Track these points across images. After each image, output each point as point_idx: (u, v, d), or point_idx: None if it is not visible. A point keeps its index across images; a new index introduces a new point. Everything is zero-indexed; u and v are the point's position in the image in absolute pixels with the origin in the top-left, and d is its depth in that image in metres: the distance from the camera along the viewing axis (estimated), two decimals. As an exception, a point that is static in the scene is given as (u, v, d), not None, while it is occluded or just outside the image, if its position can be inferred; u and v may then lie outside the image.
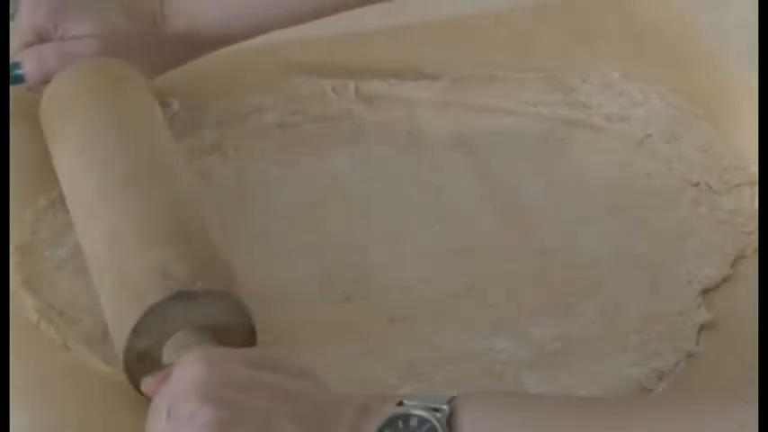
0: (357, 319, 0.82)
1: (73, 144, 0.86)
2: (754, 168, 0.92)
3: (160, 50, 0.94)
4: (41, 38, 0.93)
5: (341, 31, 1.03)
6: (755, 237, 0.88)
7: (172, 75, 0.97)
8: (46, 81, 0.91)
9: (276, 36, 0.99)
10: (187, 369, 0.70)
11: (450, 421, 0.67)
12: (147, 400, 0.75)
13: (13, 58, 0.92)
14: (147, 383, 0.74)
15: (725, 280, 0.85)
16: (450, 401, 0.67)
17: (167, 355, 0.75)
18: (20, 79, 0.92)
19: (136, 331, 0.75)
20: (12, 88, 0.91)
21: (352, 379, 0.78)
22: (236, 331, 0.76)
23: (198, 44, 0.95)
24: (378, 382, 0.78)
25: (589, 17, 1.06)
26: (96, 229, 0.81)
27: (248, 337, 0.77)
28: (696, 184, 0.93)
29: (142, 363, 0.75)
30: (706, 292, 0.85)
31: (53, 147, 0.88)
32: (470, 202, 0.91)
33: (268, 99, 0.98)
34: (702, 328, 0.82)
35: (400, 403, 0.68)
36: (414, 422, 0.67)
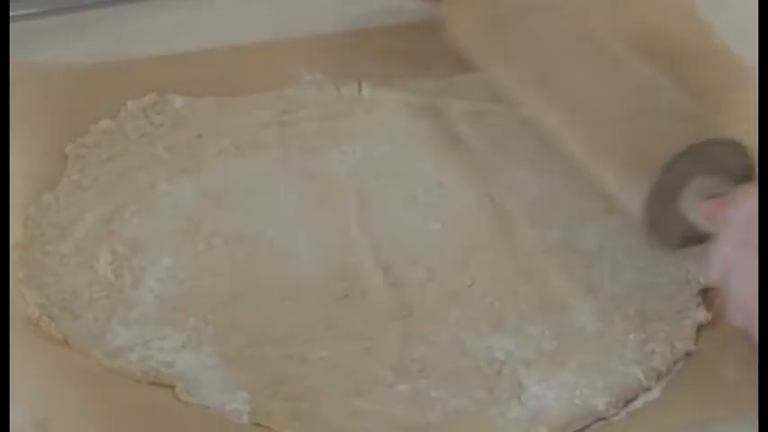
0: (355, 317, 0.83)
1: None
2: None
3: None
4: None
5: (344, 29, 1.03)
6: (756, 237, 0.88)
7: (174, 71, 0.97)
8: None
9: (280, 34, 1.00)
10: (752, 200, 0.75)
11: None
12: (147, 397, 0.76)
13: None
14: (706, 208, 0.80)
15: (724, 280, 0.86)
16: None
17: (687, 198, 0.82)
18: None
19: (669, 168, 0.81)
20: (12, 86, 0.92)
21: (349, 375, 0.79)
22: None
23: None
24: (375, 379, 0.79)
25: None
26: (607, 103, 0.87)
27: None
28: (698, 184, 0.93)
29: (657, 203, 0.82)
30: (705, 291, 0.85)
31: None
32: (471, 200, 0.91)
33: (270, 96, 0.98)
34: (701, 327, 0.83)
35: None
36: None
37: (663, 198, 0.82)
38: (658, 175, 0.82)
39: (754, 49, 0.91)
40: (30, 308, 0.82)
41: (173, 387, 0.78)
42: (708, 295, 0.84)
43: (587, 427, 0.77)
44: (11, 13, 0.97)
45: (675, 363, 0.80)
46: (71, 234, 0.87)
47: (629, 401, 0.78)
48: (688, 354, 0.81)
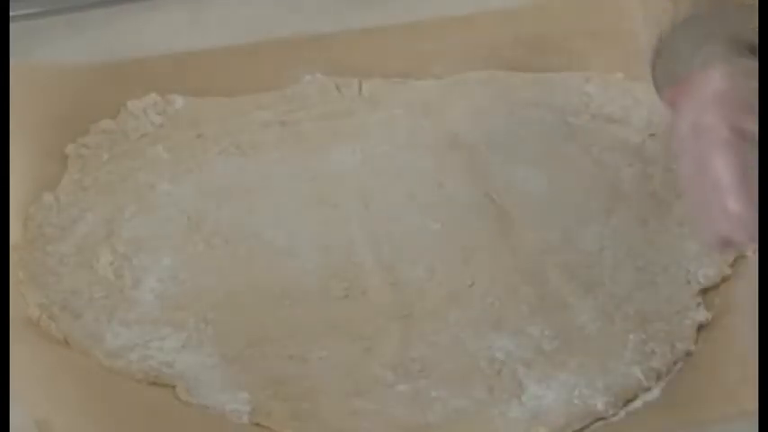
0: (355, 317, 0.83)
1: None
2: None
3: None
4: None
5: (345, 28, 1.03)
6: (755, 237, 0.88)
7: (174, 71, 0.97)
8: None
9: (280, 33, 1.00)
10: (709, 80, 0.70)
11: None
12: (147, 397, 0.76)
13: None
14: (668, 93, 0.75)
15: (724, 280, 0.86)
16: None
17: (696, 65, 0.74)
18: None
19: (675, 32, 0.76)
20: (12, 86, 0.92)
21: (349, 375, 0.79)
22: None
23: None
24: (375, 379, 0.79)
25: (592, 17, 1.06)
26: None
27: None
28: (697, 185, 0.93)
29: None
30: (705, 291, 0.85)
31: None
32: (471, 200, 0.91)
33: (271, 96, 0.98)
34: (701, 327, 0.83)
35: None
36: None
37: (688, 37, 0.76)
38: (708, 8, 0.77)
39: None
40: (30, 308, 0.82)
41: (173, 387, 0.78)
42: (708, 295, 0.85)
43: (587, 426, 0.77)
44: (11, 13, 0.97)
45: (675, 363, 0.81)
46: (71, 234, 0.87)
47: (628, 401, 0.78)
48: (688, 354, 0.81)
